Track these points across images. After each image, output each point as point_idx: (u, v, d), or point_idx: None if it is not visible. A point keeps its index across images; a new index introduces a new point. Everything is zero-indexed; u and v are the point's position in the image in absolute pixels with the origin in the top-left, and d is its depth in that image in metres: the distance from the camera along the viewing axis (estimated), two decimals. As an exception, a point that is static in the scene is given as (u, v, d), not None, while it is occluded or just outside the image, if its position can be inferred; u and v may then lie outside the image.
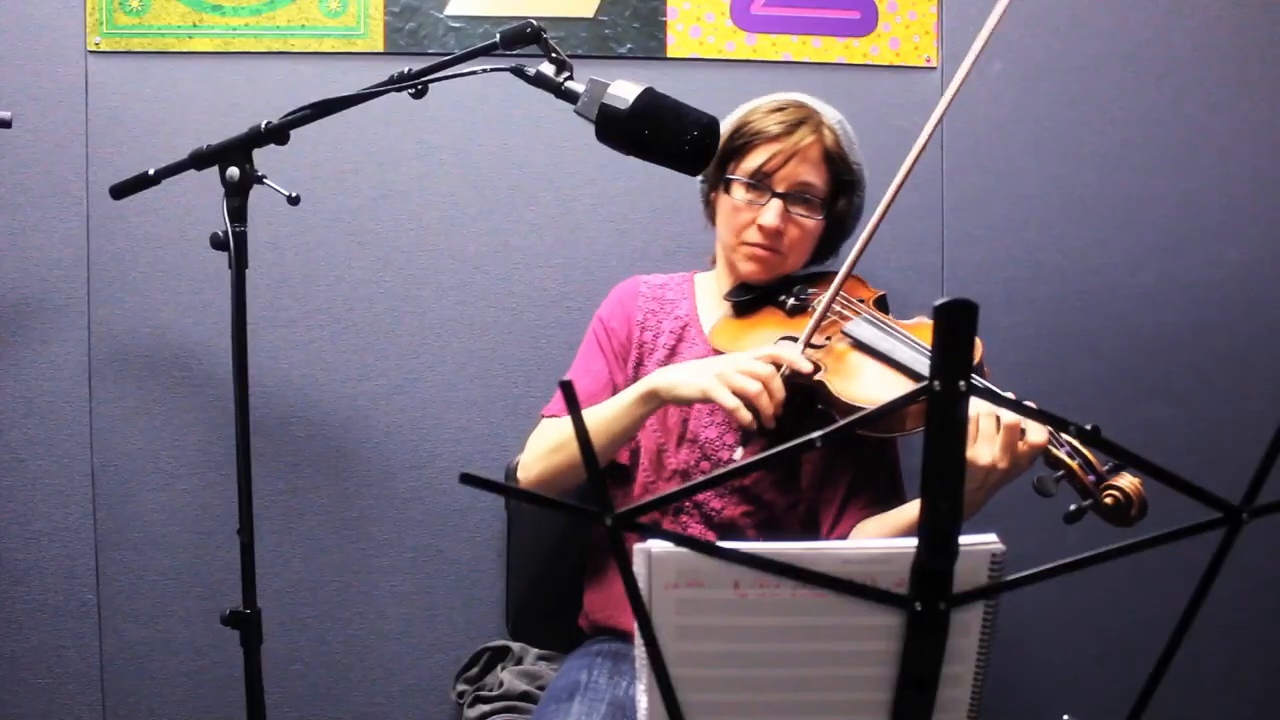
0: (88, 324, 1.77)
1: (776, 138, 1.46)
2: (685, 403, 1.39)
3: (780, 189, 1.46)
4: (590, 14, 1.81)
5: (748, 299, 1.52)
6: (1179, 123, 1.89)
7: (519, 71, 1.29)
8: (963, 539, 0.68)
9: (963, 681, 0.74)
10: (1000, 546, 0.71)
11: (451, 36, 1.79)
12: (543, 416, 1.55)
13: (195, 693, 1.79)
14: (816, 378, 1.34)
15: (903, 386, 1.31)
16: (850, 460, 1.48)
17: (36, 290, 1.76)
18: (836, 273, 1.41)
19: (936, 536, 0.67)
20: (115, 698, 1.78)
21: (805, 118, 1.48)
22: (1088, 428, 0.69)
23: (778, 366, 1.32)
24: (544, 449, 1.46)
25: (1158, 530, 0.69)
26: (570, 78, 1.28)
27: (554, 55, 1.29)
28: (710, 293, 1.60)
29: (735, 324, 1.51)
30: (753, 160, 1.47)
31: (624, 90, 1.23)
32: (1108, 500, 1.20)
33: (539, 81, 1.29)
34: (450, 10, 1.79)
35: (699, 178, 1.58)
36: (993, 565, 0.71)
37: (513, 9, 1.80)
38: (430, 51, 1.79)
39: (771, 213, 1.45)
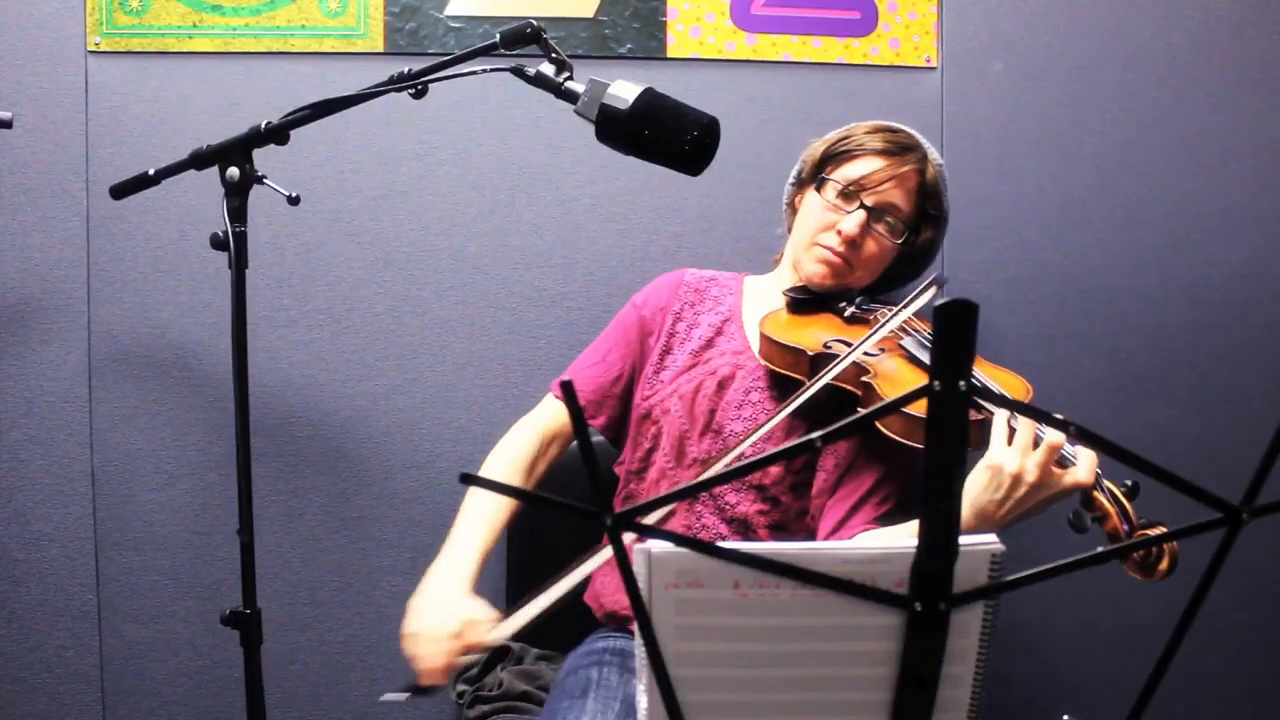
0: (88, 324, 1.77)
1: (881, 154, 1.49)
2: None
3: (869, 203, 1.48)
4: (590, 14, 1.81)
5: (807, 299, 1.52)
6: (1179, 123, 1.89)
7: (519, 71, 1.29)
8: (963, 539, 0.68)
9: (963, 681, 0.74)
10: (1000, 546, 0.71)
11: (451, 36, 1.79)
12: (551, 389, 1.59)
13: (195, 693, 1.79)
14: (864, 379, 1.35)
15: None
16: (869, 471, 1.45)
17: (36, 290, 1.76)
18: (896, 302, 1.41)
19: (936, 536, 0.67)
20: (115, 698, 1.78)
21: (914, 146, 1.52)
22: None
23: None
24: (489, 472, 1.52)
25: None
26: (570, 78, 1.28)
27: (554, 55, 1.28)
28: (758, 294, 1.60)
29: (788, 318, 1.51)
30: (852, 169, 1.49)
31: (624, 90, 1.23)
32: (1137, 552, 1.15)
33: (539, 81, 1.28)
34: (450, 10, 1.79)
35: (789, 179, 1.62)
36: (993, 565, 0.71)
37: (513, 9, 1.80)
38: (430, 51, 1.79)
39: (853, 221, 1.47)
